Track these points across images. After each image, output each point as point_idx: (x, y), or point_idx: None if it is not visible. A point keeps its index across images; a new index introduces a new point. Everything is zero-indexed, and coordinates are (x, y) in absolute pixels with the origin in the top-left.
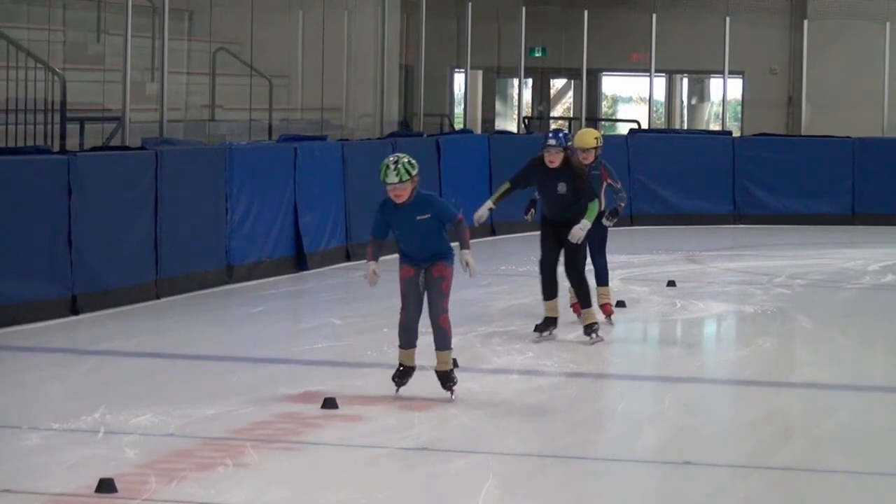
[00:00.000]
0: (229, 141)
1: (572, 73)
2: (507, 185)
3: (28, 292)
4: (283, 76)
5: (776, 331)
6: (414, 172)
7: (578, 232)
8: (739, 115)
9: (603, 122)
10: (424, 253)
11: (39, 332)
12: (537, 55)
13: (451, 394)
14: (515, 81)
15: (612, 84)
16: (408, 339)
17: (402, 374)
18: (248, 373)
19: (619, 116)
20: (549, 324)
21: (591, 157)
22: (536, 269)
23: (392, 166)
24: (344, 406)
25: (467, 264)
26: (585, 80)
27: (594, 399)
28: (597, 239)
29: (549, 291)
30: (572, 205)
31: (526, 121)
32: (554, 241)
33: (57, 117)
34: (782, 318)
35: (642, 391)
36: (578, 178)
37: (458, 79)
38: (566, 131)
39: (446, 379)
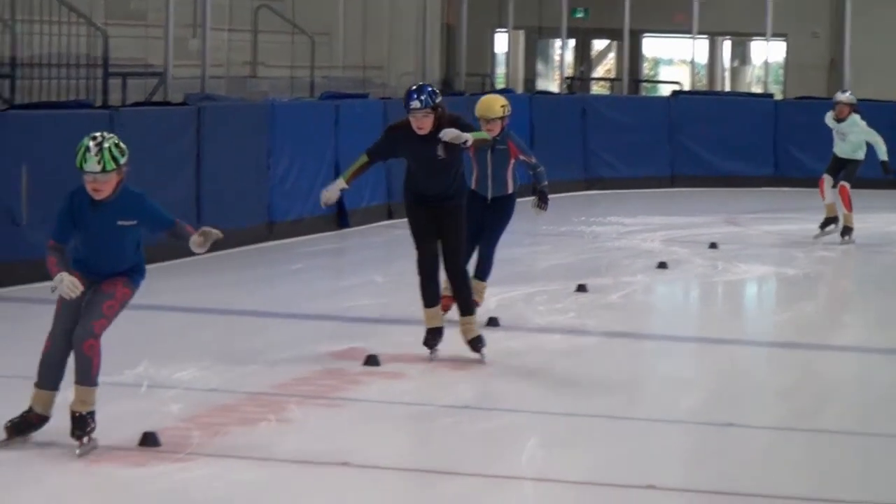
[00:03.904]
0: (271, 97)
1: (614, 34)
2: (364, 159)
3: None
4: (324, 33)
5: (817, 294)
6: (122, 160)
7: (453, 131)
8: (781, 78)
9: (645, 84)
10: (107, 267)
11: None
12: (579, 15)
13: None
14: (557, 42)
15: (653, 46)
16: (50, 377)
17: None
18: (290, 329)
19: (660, 78)
20: (436, 336)
21: (496, 129)
22: (574, 228)
23: (93, 149)
24: (386, 363)
25: (204, 237)
26: (626, 42)
27: (635, 359)
28: (496, 223)
29: (431, 297)
30: (452, 174)
31: (569, 81)
32: (431, 230)
33: (99, 72)
34: (824, 282)
35: (683, 352)
36: (454, 143)
37: (500, 39)
38: (431, 87)
39: (81, 426)
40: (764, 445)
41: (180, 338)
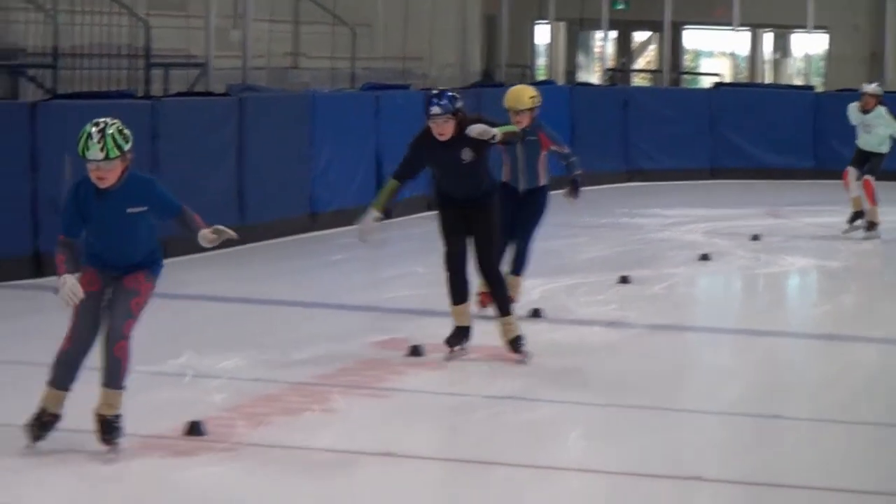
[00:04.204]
0: (312, 88)
1: (655, 26)
2: (393, 184)
3: None
4: (365, 24)
5: (860, 286)
6: (127, 147)
7: (480, 127)
8: (822, 71)
9: (685, 76)
10: (122, 259)
11: None
12: (620, 7)
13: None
14: (598, 34)
15: (693, 38)
16: (66, 378)
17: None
18: (333, 319)
19: (701, 70)
20: (460, 335)
21: (525, 121)
22: (616, 219)
23: (95, 136)
24: (428, 353)
25: (217, 234)
26: (668, 33)
27: (677, 351)
28: (530, 216)
29: (458, 293)
30: (480, 175)
31: (610, 73)
32: (460, 227)
33: (141, 63)
34: (865, 274)
35: (726, 344)
36: (481, 138)
37: (541, 30)
38: (451, 92)
39: (109, 430)
40: (806, 437)
41: (223, 328)
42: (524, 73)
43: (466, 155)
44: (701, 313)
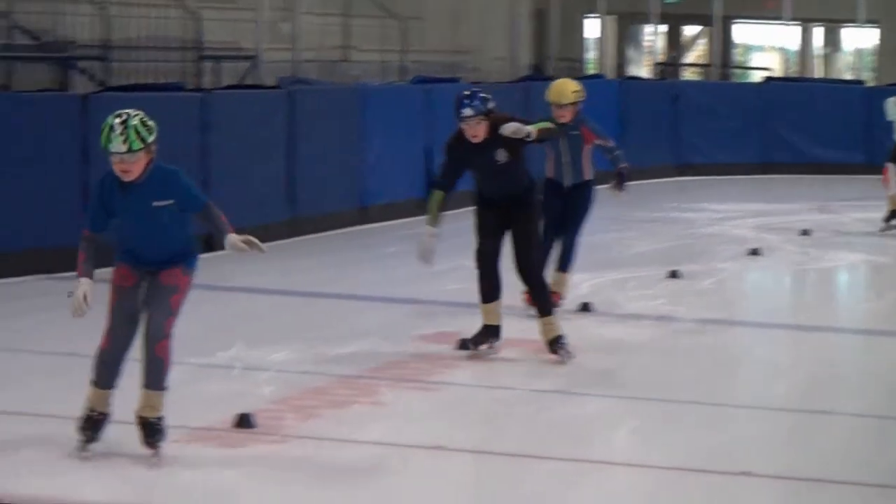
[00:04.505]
0: (362, 82)
1: (705, 20)
2: (438, 195)
3: None
4: (415, 18)
5: None
6: (150, 138)
7: (513, 125)
8: (873, 65)
9: (735, 70)
10: (155, 254)
11: None
12: (671, 1)
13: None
14: (647, 28)
15: (743, 32)
16: (109, 377)
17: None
18: (382, 312)
19: (751, 65)
20: (487, 334)
21: (568, 115)
22: (665, 214)
23: (118, 128)
24: (480, 347)
25: (247, 245)
26: (718, 27)
27: (727, 346)
28: (576, 211)
29: (488, 291)
30: (517, 175)
31: (660, 67)
32: (496, 227)
33: (192, 55)
34: None
35: (774, 339)
36: (516, 136)
37: (590, 24)
38: (482, 92)
39: (152, 433)
40: (858, 432)
41: (273, 320)
42: (574, 67)
43: (501, 156)
44: (750, 308)
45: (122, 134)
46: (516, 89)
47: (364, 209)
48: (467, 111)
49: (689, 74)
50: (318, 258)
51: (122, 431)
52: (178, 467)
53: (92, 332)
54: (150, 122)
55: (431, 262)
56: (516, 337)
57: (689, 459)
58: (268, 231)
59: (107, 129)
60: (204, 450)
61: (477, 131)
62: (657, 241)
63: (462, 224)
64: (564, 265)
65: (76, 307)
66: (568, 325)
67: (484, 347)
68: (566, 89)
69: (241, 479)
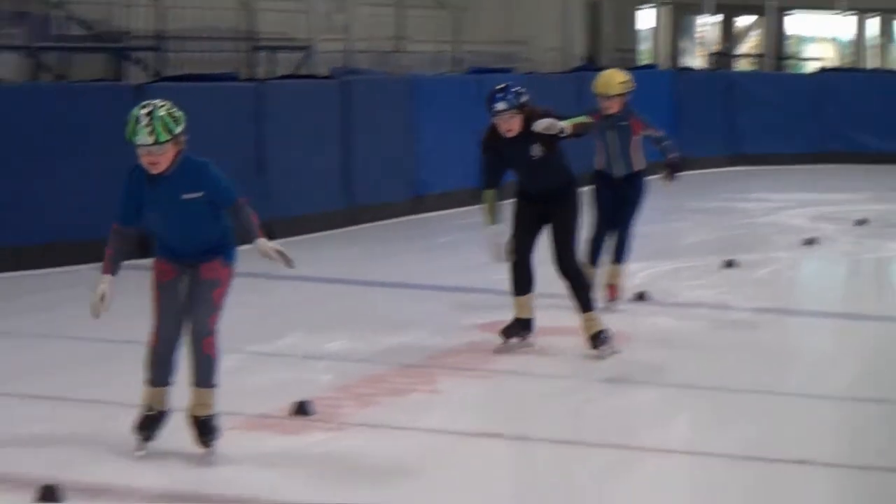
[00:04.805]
0: (415, 72)
1: (758, 11)
2: (488, 194)
3: None
4: (468, 8)
5: None
6: (178, 130)
7: (546, 121)
8: None
9: (789, 61)
10: (190, 248)
11: None
12: None
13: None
14: (701, 18)
15: (797, 23)
16: (162, 374)
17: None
18: (439, 301)
19: (804, 55)
20: (519, 327)
21: (616, 106)
22: (720, 204)
23: (144, 119)
24: (536, 336)
25: (277, 254)
26: (772, 18)
27: (783, 335)
28: (628, 203)
29: (521, 284)
30: (554, 169)
31: (714, 58)
32: (532, 220)
33: (246, 46)
34: None
35: (832, 328)
36: (548, 132)
37: (644, 14)
38: (515, 86)
39: (206, 431)
40: None
41: (330, 309)
42: (627, 58)
43: (536, 150)
44: (805, 298)
45: (148, 126)
46: (569, 80)
47: (418, 199)
48: (500, 105)
49: (742, 65)
50: (373, 247)
51: (177, 418)
52: (236, 455)
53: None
54: (178, 113)
55: (506, 258)
56: (570, 325)
57: (744, 448)
58: (323, 220)
59: (132, 121)
60: (261, 437)
61: (511, 125)
62: (712, 230)
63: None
64: (619, 257)
65: (93, 307)
66: (623, 314)
67: (515, 341)
68: (613, 80)
69: (299, 466)
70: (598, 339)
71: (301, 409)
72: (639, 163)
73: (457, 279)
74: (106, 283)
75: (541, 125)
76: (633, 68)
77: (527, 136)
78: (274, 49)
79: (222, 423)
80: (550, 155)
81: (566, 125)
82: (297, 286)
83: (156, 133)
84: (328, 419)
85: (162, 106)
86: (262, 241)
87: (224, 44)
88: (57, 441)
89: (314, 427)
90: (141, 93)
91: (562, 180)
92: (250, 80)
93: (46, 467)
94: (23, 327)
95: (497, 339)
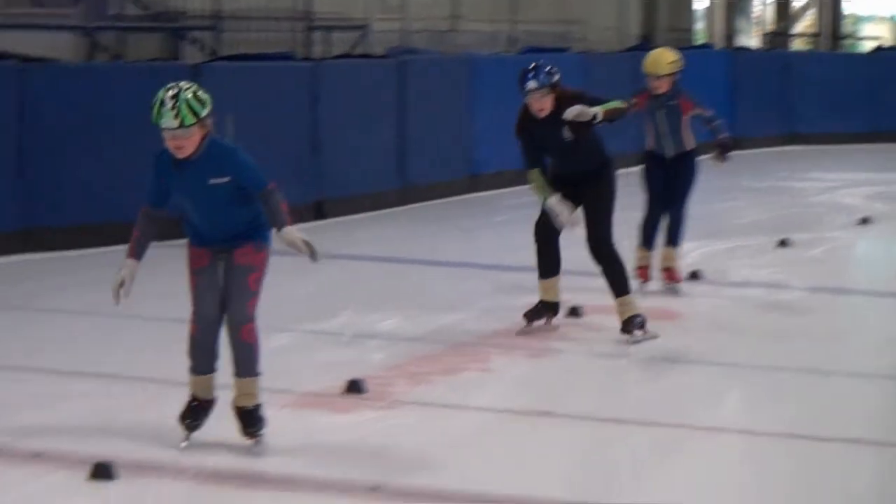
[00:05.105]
0: (472, 51)
1: None
2: (534, 172)
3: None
4: None
5: None
6: (204, 112)
7: (576, 108)
8: None
9: (845, 40)
10: (220, 232)
11: None
12: None
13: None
14: None
15: (853, 2)
16: (204, 362)
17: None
18: (493, 280)
19: (861, 34)
20: (544, 309)
21: (665, 86)
22: (774, 183)
23: (169, 102)
24: (588, 314)
25: (304, 244)
26: None
27: (837, 314)
28: (680, 184)
29: (547, 266)
30: (588, 151)
31: (770, 37)
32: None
33: (302, 25)
34: None
35: (885, 308)
36: (579, 120)
37: None
38: (547, 65)
39: (250, 422)
40: None
41: (383, 287)
42: (682, 38)
43: (568, 132)
44: (860, 277)
45: (173, 108)
46: (624, 59)
47: (474, 177)
48: (532, 84)
49: (798, 44)
50: (429, 226)
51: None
52: (289, 432)
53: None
54: (204, 95)
55: (575, 221)
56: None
57: (798, 427)
58: (378, 199)
59: (157, 104)
60: (313, 416)
61: (542, 105)
62: (767, 210)
63: None
64: (674, 240)
65: (113, 292)
66: (675, 293)
67: (539, 323)
68: (662, 60)
69: (351, 444)
70: (631, 324)
71: (353, 388)
72: (689, 142)
73: (511, 258)
74: (127, 268)
75: (571, 113)
76: (688, 48)
77: (558, 117)
78: (330, 29)
79: (274, 401)
80: (583, 137)
81: (598, 111)
82: (349, 265)
83: (181, 116)
84: (380, 398)
85: (188, 88)
86: (289, 230)
87: (280, 24)
88: (110, 419)
89: (366, 405)
90: (197, 73)
91: (596, 162)
92: (306, 59)
93: (99, 445)
94: (77, 306)
95: (555, 318)
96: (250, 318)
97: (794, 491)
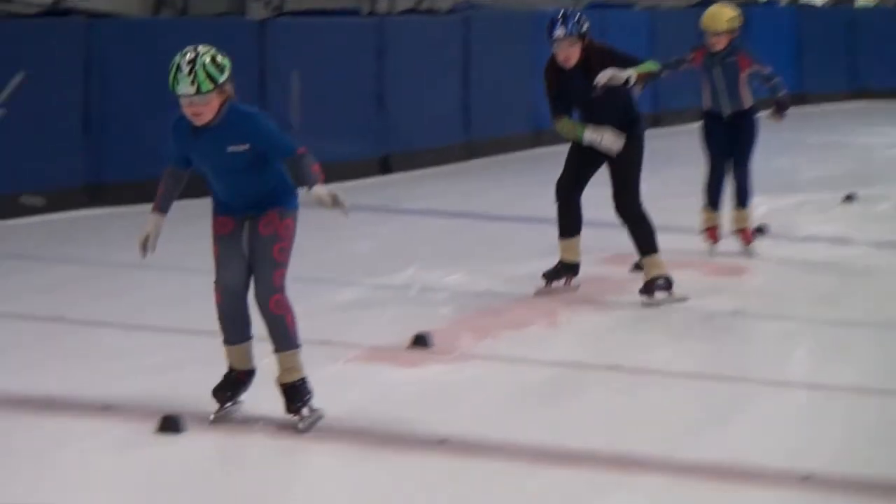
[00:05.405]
0: (536, 7)
1: None
2: (563, 119)
3: (341, 151)
4: None
5: None
6: (222, 78)
7: (609, 72)
8: None
9: None
10: (243, 201)
11: (352, 190)
12: None
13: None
14: None
15: None
16: (234, 331)
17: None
18: (556, 234)
19: None
20: (563, 270)
21: (723, 43)
22: (841, 138)
23: (185, 68)
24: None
25: (332, 199)
26: None
27: None
28: (741, 143)
29: (568, 226)
30: (617, 107)
31: None
32: (584, 161)
33: None
34: None
35: None
36: (613, 83)
37: None
38: (577, 13)
39: (295, 398)
40: None
41: (448, 242)
42: None
43: (598, 90)
44: None
45: (189, 74)
46: (690, 15)
47: (538, 132)
48: (559, 32)
49: (863, 0)
50: (493, 181)
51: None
52: (356, 386)
53: None
54: (223, 60)
55: (619, 142)
56: (688, 258)
57: (864, 380)
58: (443, 154)
59: (174, 70)
60: (381, 368)
61: (569, 54)
62: (832, 165)
63: None
64: (742, 201)
65: (139, 246)
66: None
67: (559, 284)
68: (721, 16)
69: (418, 397)
70: (652, 286)
71: (420, 341)
72: (747, 100)
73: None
74: (152, 222)
75: (604, 77)
76: (754, 4)
77: (585, 69)
78: None
79: (341, 355)
80: (612, 92)
81: (632, 73)
82: (414, 220)
83: (198, 82)
84: (447, 351)
85: (206, 52)
86: (318, 188)
87: None
88: (178, 372)
89: (433, 359)
90: (263, 28)
91: (624, 118)
92: (371, 15)
93: (167, 398)
94: (143, 260)
95: (618, 271)
96: (277, 290)
97: (861, 446)
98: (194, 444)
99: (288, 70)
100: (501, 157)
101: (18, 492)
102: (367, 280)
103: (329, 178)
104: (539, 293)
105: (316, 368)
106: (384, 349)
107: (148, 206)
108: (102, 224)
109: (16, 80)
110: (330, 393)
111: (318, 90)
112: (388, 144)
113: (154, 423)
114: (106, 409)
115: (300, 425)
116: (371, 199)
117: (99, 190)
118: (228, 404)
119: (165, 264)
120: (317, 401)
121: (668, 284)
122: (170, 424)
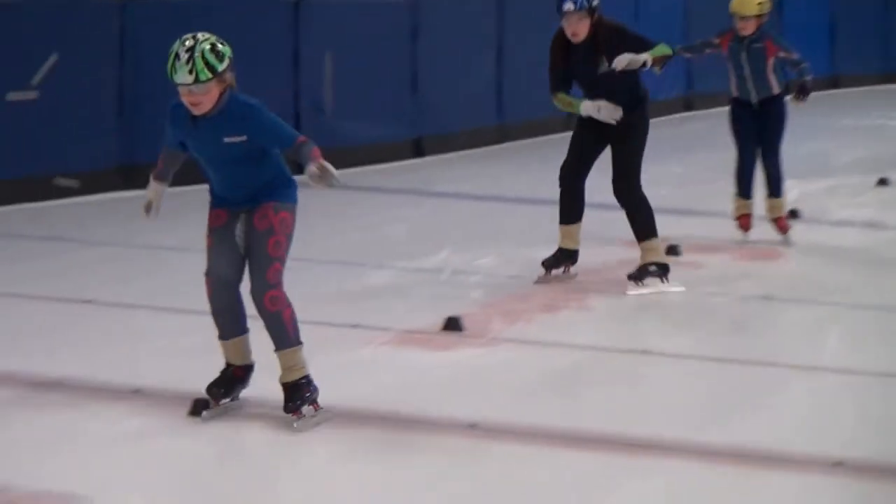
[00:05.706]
0: None
1: None
2: (559, 95)
3: (374, 134)
4: None
5: None
6: (221, 67)
7: (626, 57)
8: None
9: None
10: (239, 192)
11: (384, 172)
12: None
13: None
14: None
15: None
16: (227, 325)
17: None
18: (591, 218)
19: None
20: (562, 257)
21: (751, 27)
22: (874, 121)
23: (184, 56)
24: (686, 253)
25: (319, 171)
26: None
27: None
28: (770, 130)
29: (569, 212)
30: (623, 86)
31: None
32: (591, 143)
33: None
34: None
35: None
36: (631, 68)
37: None
38: None
39: (294, 396)
40: None
41: (481, 225)
42: None
43: (603, 65)
44: None
45: (188, 62)
46: None
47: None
48: (568, 5)
49: None
50: (526, 164)
51: (325, 330)
52: (387, 369)
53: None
54: (223, 48)
55: (617, 112)
56: (717, 242)
57: None
58: (476, 136)
59: (172, 58)
60: (412, 352)
61: (577, 29)
62: (866, 148)
63: (668, 131)
64: (775, 190)
65: (143, 212)
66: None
67: (558, 272)
68: (751, 0)
69: (449, 381)
70: (642, 272)
71: (451, 325)
72: (775, 87)
73: (607, 196)
74: (153, 189)
75: (621, 63)
76: None
77: (593, 45)
78: None
79: (373, 338)
80: (621, 71)
81: (648, 58)
82: (446, 203)
83: (196, 71)
84: (478, 335)
85: (205, 40)
86: (311, 168)
87: None
88: (209, 355)
89: (464, 343)
90: (297, 9)
91: (628, 98)
92: None
93: (198, 381)
94: (175, 242)
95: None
96: (272, 286)
97: (894, 432)
98: (226, 428)
99: (321, 52)
100: (534, 140)
101: (44, 476)
102: (398, 263)
103: (361, 160)
104: (538, 281)
105: (347, 352)
106: (416, 333)
107: (181, 189)
108: (136, 206)
109: (49, 62)
110: (361, 377)
111: (350, 71)
112: (422, 126)
113: (185, 407)
114: (136, 392)
115: (295, 424)
116: (403, 183)
117: (132, 171)
118: (224, 401)
119: (200, 247)
120: (348, 385)
121: (662, 271)
122: (201, 407)
